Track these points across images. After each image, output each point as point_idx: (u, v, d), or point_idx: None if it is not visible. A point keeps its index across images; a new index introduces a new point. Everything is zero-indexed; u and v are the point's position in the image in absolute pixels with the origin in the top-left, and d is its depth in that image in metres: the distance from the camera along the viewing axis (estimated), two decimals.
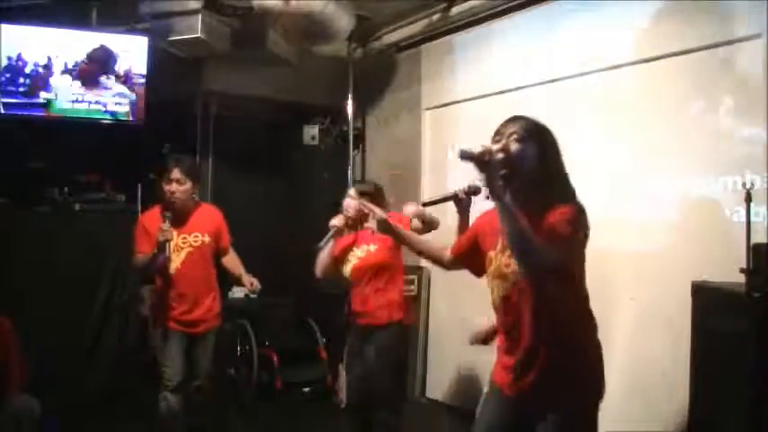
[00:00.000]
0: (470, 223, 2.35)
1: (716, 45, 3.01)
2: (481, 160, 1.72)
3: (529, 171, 1.83)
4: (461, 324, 2.68)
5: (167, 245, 3.07)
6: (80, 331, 3.97)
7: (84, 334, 3.99)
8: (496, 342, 2.06)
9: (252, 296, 3.73)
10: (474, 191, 2.39)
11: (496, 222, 1.82)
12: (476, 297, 2.37)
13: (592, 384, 1.86)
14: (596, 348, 1.89)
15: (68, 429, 3.49)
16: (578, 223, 1.77)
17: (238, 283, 3.62)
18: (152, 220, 3.14)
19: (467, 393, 4.19)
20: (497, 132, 1.90)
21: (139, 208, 4.03)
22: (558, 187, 1.86)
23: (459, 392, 4.25)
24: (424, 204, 2.63)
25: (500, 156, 1.81)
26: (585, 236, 1.81)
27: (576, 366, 1.83)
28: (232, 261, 3.45)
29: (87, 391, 3.88)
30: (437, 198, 2.48)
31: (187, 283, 3.18)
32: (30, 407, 2.84)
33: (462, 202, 2.43)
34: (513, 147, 1.84)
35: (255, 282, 3.39)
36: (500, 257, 1.90)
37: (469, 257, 2.08)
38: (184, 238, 3.19)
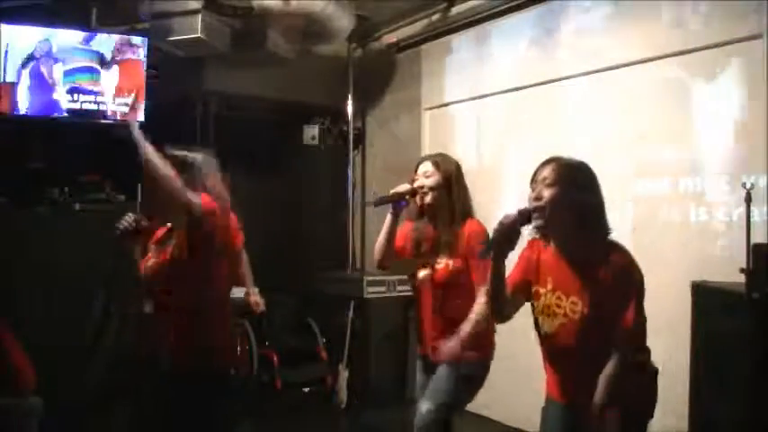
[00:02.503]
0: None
1: (716, 45, 3.01)
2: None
3: (564, 216, 1.87)
4: None
5: None
6: (80, 331, 3.96)
7: (85, 334, 3.99)
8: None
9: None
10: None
11: (545, 258, 1.94)
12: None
13: (643, 406, 1.91)
14: (648, 374, 1.93)
15: (68, 429, 3.49)
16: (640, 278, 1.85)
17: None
18: None
19: None
20: (532, 179, 1.93)
21: (139, 208, 4.03)
22: (594, 226, 1.89)
23: None
24: (376, 204, 2.64)
25: (534, 204, 1.87)
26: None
27: (626, 389, 1.85)
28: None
29: (87, 390, 3.88)
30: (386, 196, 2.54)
31: None
32: (32, 406, 2.84)
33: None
34: (546, 193, 1.86)
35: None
36: (550, 296, 1.93)
37: (522, 293, 2.03)
38: None
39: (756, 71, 2.82)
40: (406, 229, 2.62)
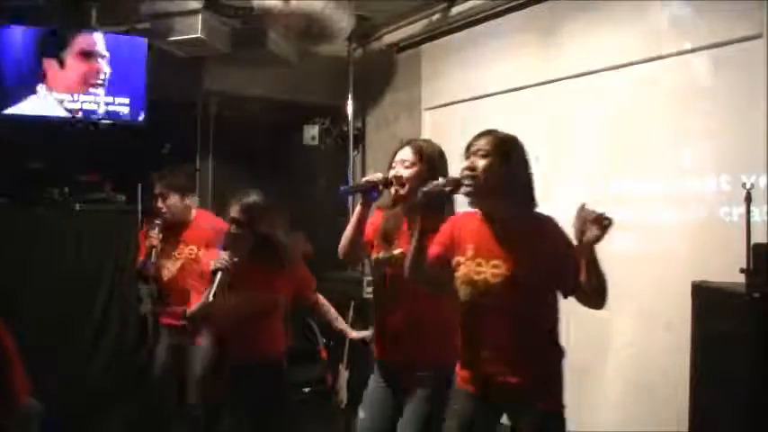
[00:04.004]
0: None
1: (716, 45, 3.01)
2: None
3: (494, 184, 1.93)
4: None
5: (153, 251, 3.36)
6: (80, 331, 3.96)
7: (84, 334, 3.99)
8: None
9: None
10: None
11: (467, 228, 1.98)
12: None
13: (556, 387, 1.93)
14: (558, 354, 1.96)
15: (68, 429, 3.48)
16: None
17: None
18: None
19: None
20: (466, 150, 2.02)
21: (139, 208, 4.03)
22: (524, 197, 1.98)
23: None
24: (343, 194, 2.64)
25: (467, 173, 1.95)
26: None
27: (540, 370, 1.90)
28: None
29: (87, 390, 3.87)
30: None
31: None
32: (32, 407, 2.83)
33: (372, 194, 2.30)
34: (480, 163, 1.95)
35: None
36: (470, 264, 1.95)
37: (442, 268, 2.04)
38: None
39: (756, 71, 2.82)
40: (375, 219, 2.36)
